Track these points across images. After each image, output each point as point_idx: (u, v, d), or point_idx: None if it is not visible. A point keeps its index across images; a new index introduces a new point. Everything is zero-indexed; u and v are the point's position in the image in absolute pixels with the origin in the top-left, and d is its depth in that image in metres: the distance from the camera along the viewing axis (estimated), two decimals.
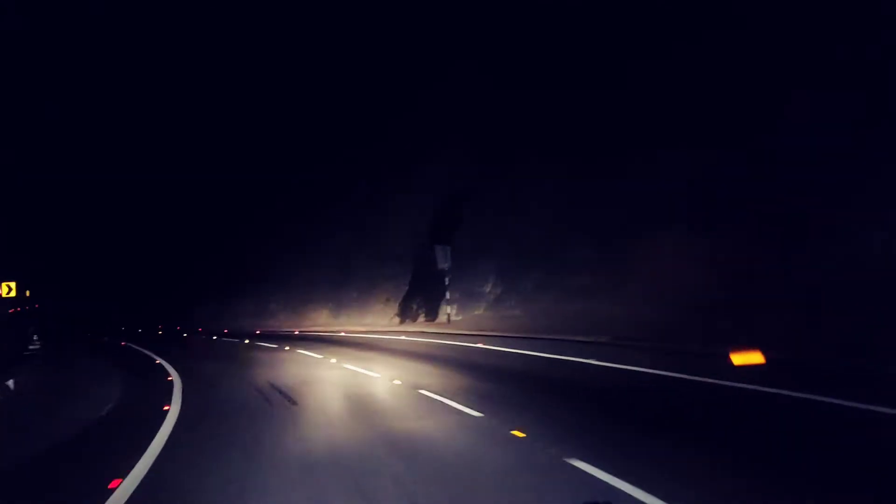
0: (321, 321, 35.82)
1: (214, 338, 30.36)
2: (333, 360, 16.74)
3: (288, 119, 41.24)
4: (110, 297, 78.52)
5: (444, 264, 26.91)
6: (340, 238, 35.80)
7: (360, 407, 10.07)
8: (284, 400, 10.98)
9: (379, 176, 33.31)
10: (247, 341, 26.43)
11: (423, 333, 24.10)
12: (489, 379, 12.27)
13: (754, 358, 8.76)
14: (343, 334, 27.60)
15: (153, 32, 41.71)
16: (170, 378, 15.00)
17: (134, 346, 25.58)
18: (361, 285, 33.96)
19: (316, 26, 36.66)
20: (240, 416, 9.77)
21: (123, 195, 66.60)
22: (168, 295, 60.71)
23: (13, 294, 43.70)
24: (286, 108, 41.55)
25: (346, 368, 14.93)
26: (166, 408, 10.67)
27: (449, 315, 26.67)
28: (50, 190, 73.29)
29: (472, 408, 8.91)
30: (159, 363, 18.78)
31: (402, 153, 31.51)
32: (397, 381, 12.18)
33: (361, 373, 13.95)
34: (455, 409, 9.09)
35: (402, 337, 23.33)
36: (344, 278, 35.28)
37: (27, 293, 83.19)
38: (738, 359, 9.09)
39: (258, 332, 35.58)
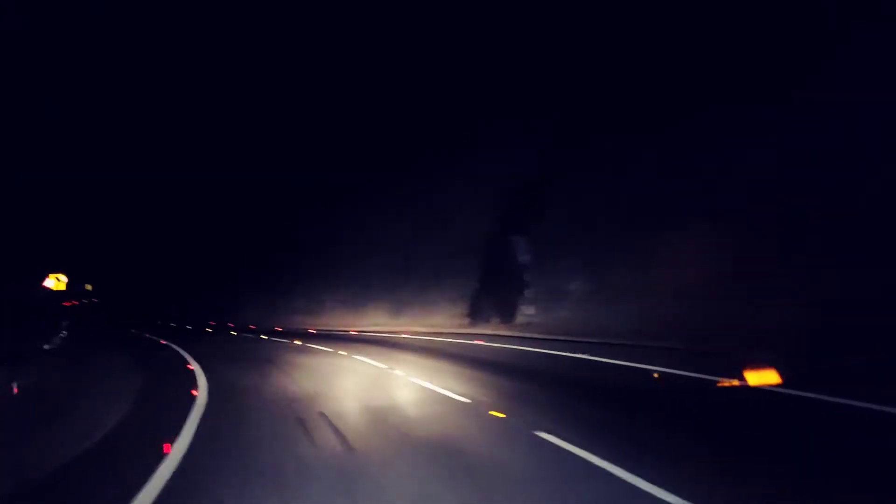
0: (380, 320, 32.47)
1: (264, 337, 27.37)
2: (400, 373, 13.16)
3: (333, 105, 38.69)
4: (168, 293, 78.50)
5: (523, 257, 23.07)
6: (401, 230, 32.38)
7: (454, 461, 6.38)
8: (336, 441, 7.41)
9: (444, 160, 29.68)
10: (297, 342, 23.23)
11: (501, 338, 20.33)
12: (639, 416, 8.40)
13: (769, 378, 8.55)
14: (405, 336, 24.09)
15: (153, 32, 40.84)
16: (194, 392, 11.70)
17: (173, 346, 22.72)
18: (425, 282, 30.39)
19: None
20: (264, 472, 6.22)
21: (178, 193, 66.78)
22: (223, 291, 59.26)
23: (62, 287, 42.19)
24: (327, 95, 38.97)
25: (420, 386, 11.28)
26: (167, 449, 7.27)
27: (529, 316, 22.82)
28: (113, 190, 74.36)
29: (652, 480, 5.10)
30: (191, 369, 15.61)
31: (471, 133, 27.78)
32: (498, 413, 8.46)
33: (441, 394, 10.26)
34: (624, 482, 5.29)
35: (478, 342, 19.61)
36: (405, 274, 31.83)
37: (88, 287, 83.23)
38: (754, 378, 8.84)
39: (311, 330, 32.57)
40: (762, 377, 8.85)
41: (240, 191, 53.76)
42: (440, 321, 27.99)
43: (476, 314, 25.92)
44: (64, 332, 21.22)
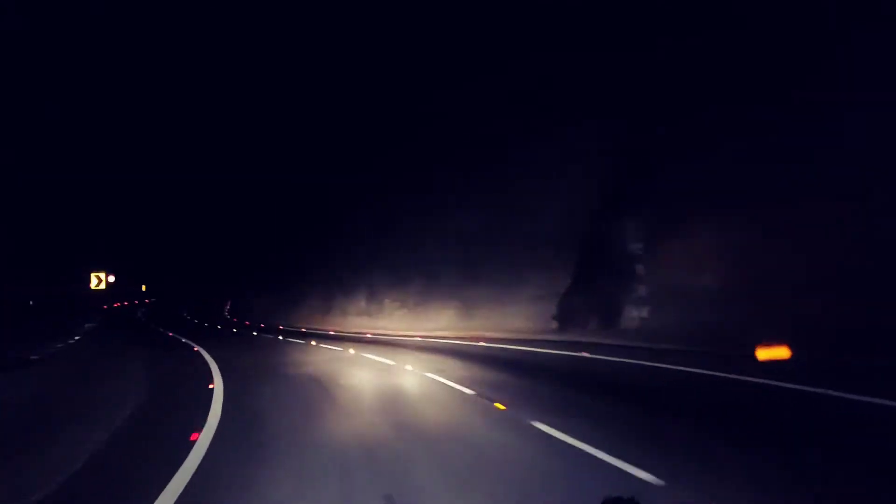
0: (447, 324, 28.15)
1: (314, 343, 23.43)
2: (503, 407, 8.67)
3: (389, 91, 35.53)
4: (221, 294, 77.17)
5: (632, 245, 18.31)
6: (471, 219, 27.94)
7: None
8: None
9: (524, 135, 25.11)
10: (352, 350, 19.09)
11: (611, 348, 15.59)
12: None
13: (780, 353, 8.49)
14: (483, 345, 19.62)
15: (154, 32, 40.64)
16: (194, 437, 7.55)
17: (204, 355, 18.86)
18: (500, 277, 25.83)
19: None
20: None
21: (235, 195, 66.50)
22: (277, 292, 56.58)
23: (102, 287, 39.33)
24: (379, 82, 35.93)
25: (550, 438, 6.76)
26: None
27: (641, 319, 18.03)
28: (166, 191, 74.29)
29: None
30: (211, 388, 11.55)
31: (561, 101, 23.14)
32: None
33: (607, 464, 5.73)
34: None
35: (584, 354, 14.93)
36: (476, 269, 27.37)
37: (143, 287, 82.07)
38: (764, 353, 8.98)
39: (369, 335, 28.57)
40: (773, 353, 8.78)
41: (295, 190, 51.77)
42: (520, 325, 23.40)
43: (567, 317, 21.23)
44: (77, 336, 17.71)
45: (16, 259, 44.39)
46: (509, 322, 24.15)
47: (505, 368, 13.36)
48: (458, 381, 11.23)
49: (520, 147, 25.13)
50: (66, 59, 37.83)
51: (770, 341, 8.74)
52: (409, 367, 13.84)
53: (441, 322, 28.73)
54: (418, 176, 32.84)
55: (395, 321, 33.43)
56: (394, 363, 14.91)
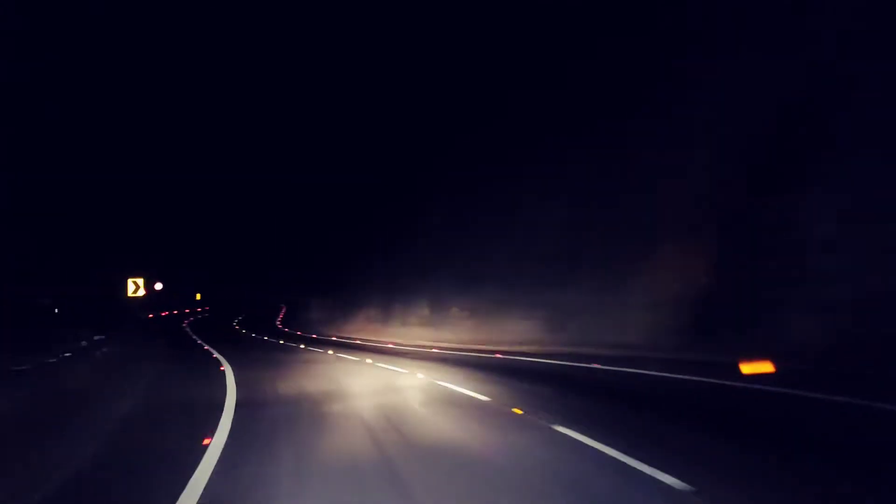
0: (531, 336, 23.03)
1: (369, 361, 18.83)
2: None
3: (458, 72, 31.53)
4: (277, 303, 74.39)
5: (819, 229, 12.88)
6: (561, 207, 22.91)
7: None
8: None
9: (635, 89, 19.98)
10: (420, 376, 14.23)
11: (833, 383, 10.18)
12: None
13: (764, 367, 8.75)
14: (602, 368, 14.46)
15: (154, 32, 39.93)
16: None
17: (228, 378, 14.36)
18: (600, 279, 20.59)
19: None
20: None
21: (288, 200, 64.96)
22: (332, 298, 53.03)
23: (140, 293, 35.76)
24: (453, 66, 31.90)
25: None
26: None
27: (840, 334, 12.52)
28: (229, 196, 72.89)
29: None
30: (206, 445, 6.88)
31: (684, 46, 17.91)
32: None
33: None
34: None
35: (802, 392, 9.58)
36: (568, 269, 22.24)
37: (197, 296, 79.72)
38: (748, 368, 9.12)
39: (435, 349, 23.85)
40: (757, 367, 8.66)
41: (353, 190, 48.76)
42: (631, 339, 18.03)
43: (709, 328, 15.78)
44: (68, 353, 13.69)
45: (60, 263, 41.99)
46: (615, 335, 18.85)
47: (681, 419, 8.25)
48: (630, 453, 6.12)
49: (629, 114, 19.99)
50: (66, 59, 36.56)
51: (753, 356, 8.68)
52: (517, 411, 8.84)
53: (523, 334, 23.63)
54: (496, 166, 28.14)
55: (463, 332, 28.58)
56: (489, 400, 9.94)
